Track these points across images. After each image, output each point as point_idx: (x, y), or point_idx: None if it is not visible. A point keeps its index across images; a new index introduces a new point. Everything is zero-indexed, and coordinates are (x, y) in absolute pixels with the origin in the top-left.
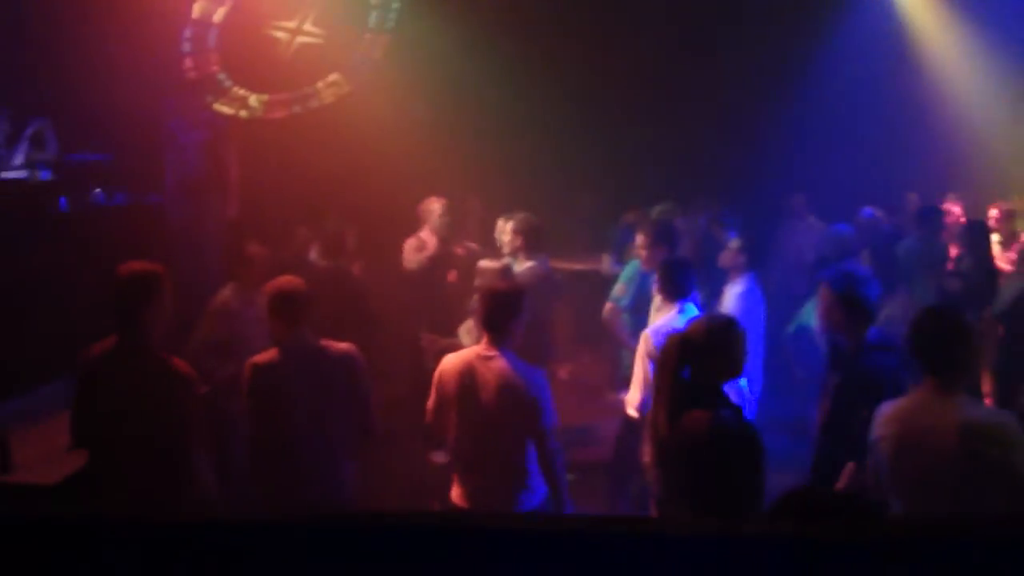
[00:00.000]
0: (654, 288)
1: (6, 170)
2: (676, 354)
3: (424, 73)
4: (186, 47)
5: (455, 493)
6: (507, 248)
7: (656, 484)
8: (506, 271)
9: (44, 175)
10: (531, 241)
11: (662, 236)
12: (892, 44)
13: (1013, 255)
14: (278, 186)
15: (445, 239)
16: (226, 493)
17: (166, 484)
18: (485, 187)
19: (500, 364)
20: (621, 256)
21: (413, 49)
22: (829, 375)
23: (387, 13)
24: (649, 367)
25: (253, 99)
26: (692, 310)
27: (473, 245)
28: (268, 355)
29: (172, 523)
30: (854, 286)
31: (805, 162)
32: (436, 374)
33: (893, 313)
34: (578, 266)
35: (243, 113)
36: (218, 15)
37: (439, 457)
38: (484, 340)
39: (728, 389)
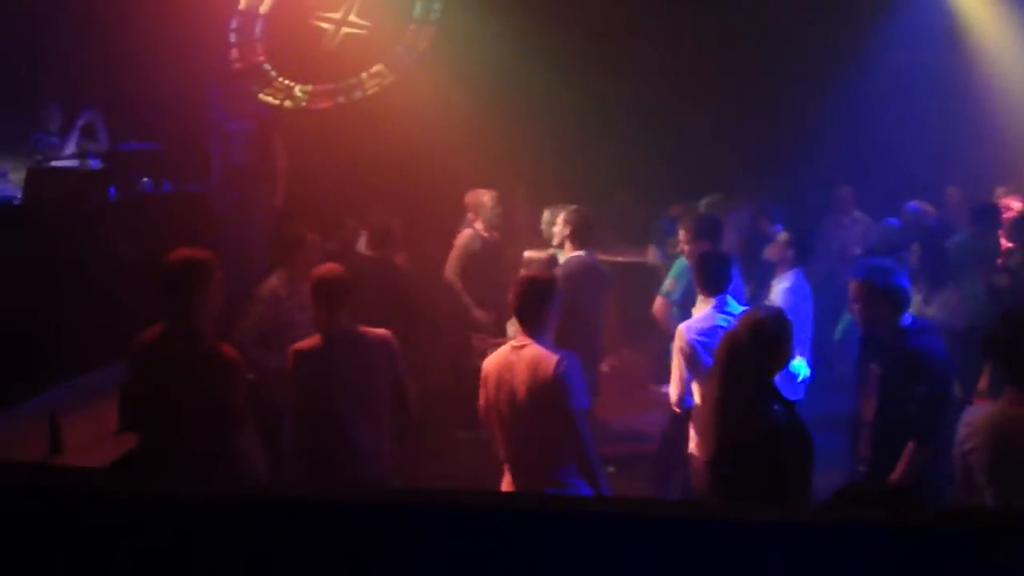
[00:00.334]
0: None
1: (58, 159)
2: (727, 349)
3: (468, 64)
4: (232, 38)
5: (505, 486)
6: (556, 239)
7: (702, 478)
8: (552, 262)
9: (94, 164)
10: (581, 233)
11: (704, 230)
12: (942, 34)
13: None
14: (323, 176)
15: (498, 230)
16: (275, 478)
17: (214, 468)
18: (529, 178)
19: (530, 351)
20: (666, 248)
21: (458, 40)
22: (865, 367)
23: (432, 3)
24: (683, 362)
25: (298, 89)
26: (732, 304)
27: (496, 234)
28: (310, 341)
29: (213, 498)
30: (880, 276)
31: (852, 154)
32: (483, 371)
33: (940, 308)
34: (620, 258)
35: (288, 103)
36: (264, 6)
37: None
38: (519, 332)
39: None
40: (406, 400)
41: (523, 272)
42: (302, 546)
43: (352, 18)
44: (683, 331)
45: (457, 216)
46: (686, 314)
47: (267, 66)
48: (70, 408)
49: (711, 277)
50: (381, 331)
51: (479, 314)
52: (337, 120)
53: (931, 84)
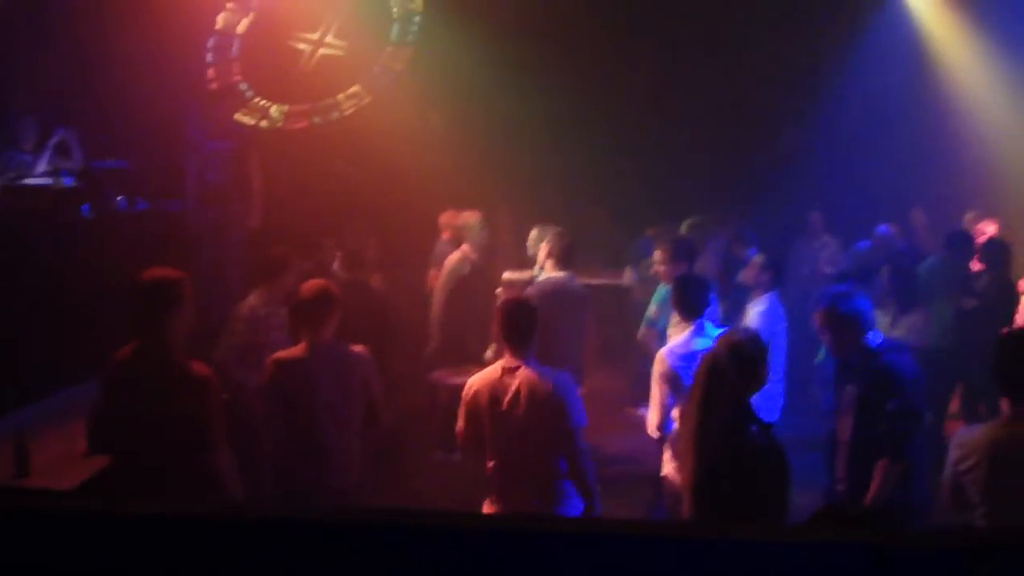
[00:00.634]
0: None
1: (31, 177)
2: (706, 371)
3: (445, 85)
4: (209, 57)
5: (489, 511)
6: (540, 259)
7: (680, 499)
8: (532, 283)
9: (67, 182)
10: (561, 255)
11: (681, 252)
12: (912, 60)
13: None
14: (299, 196)
15: (485, 253)
16: (251, 497)
17: (188, 488)
18: (505, 199)
19: (525, 373)
20: (641, 270)
21: (434, 61)
22: (841, 389)
23: (409, 26)
24: (665, 388)
25: (274, 109)
26: (710, 329)
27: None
28: (291, 351)
29: (187, 517)
30: (841, 303)
31: (822, 179)
32: (465, 397)
33: (908, 330)
34: (596, 280)
35: (264, 123)
36: (241, 26)
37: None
38: (507, 353)
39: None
40: (378, 416)
41: (505, 294)
42: (276, 566)
43: (329, 39)
44: (664, 357)
45: (432, 236)
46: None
47: (244, 86)
48: (39, 429)
49: (690, 302)
50: (359, 348)
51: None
52: (313, 140)
53: (900, 109)
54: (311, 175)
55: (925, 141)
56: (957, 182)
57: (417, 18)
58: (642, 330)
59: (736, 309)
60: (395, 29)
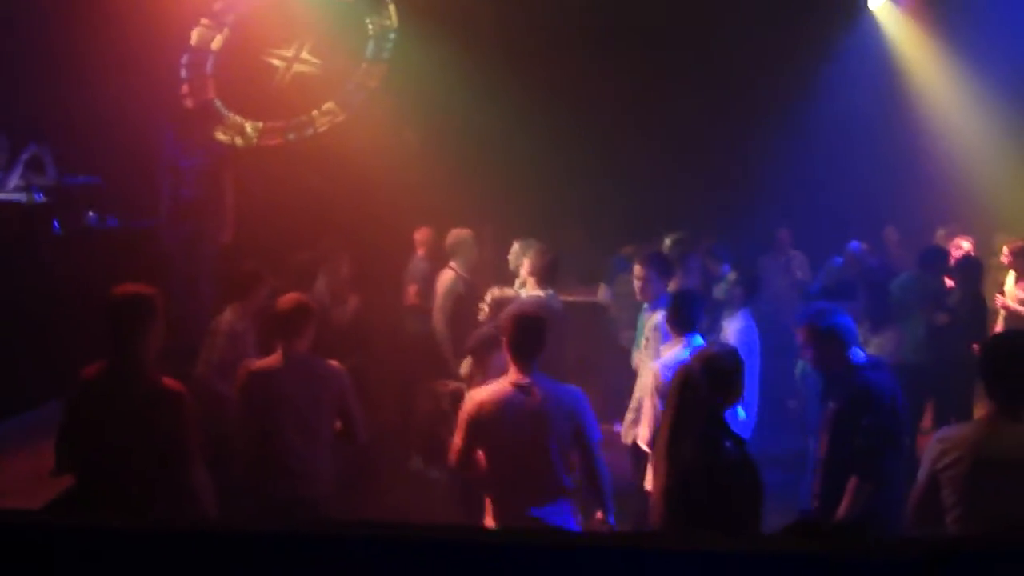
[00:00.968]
0: (646, 316)
1: (2, 192)
2: (679, 384)
3: (419, 102)
4: (183, 74)
5: (491, 523)
6: (522, 275)
7: (657, 513)
8: (536, 299)
9: (38, 197)
10: (544, 274)
11: (660, 271)
12: (882, 78)
13: None
14: (273, 213)
15: (474, 270)
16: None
17: (161, 505)
18: (478, 216)
19: (541, 389)
20: (616, 287)
21: (409, 78)
22: (825, 404)
23: (384, 43)
24: (658, 402)
25: (249, 126)
26: (699, 342)
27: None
28: (265, 361)
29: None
30: (822, 318)
31: (794, 195)
32: (468, 412)
33: (880, 347)
34: (571, 298)
35: (239, 140)
36: (216, 42)
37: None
38: (514, 368)
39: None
40: (354, 430)
41: (487, 308)
42: None
43: (304, 56)
44: (657, 371)
45: (406, 252)
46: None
47: (218, 103)
48: (5, 448)
49: (684, 317)
50: (333, 362)
51: (458, 365)
52: (288, 157)
53: (871, 126)
54: (285, 191)
55: (896, 158)
56: (928, 199)
57: (392, 35)
58: (635, 357)
59: (713, 325)
60: (370, 46)
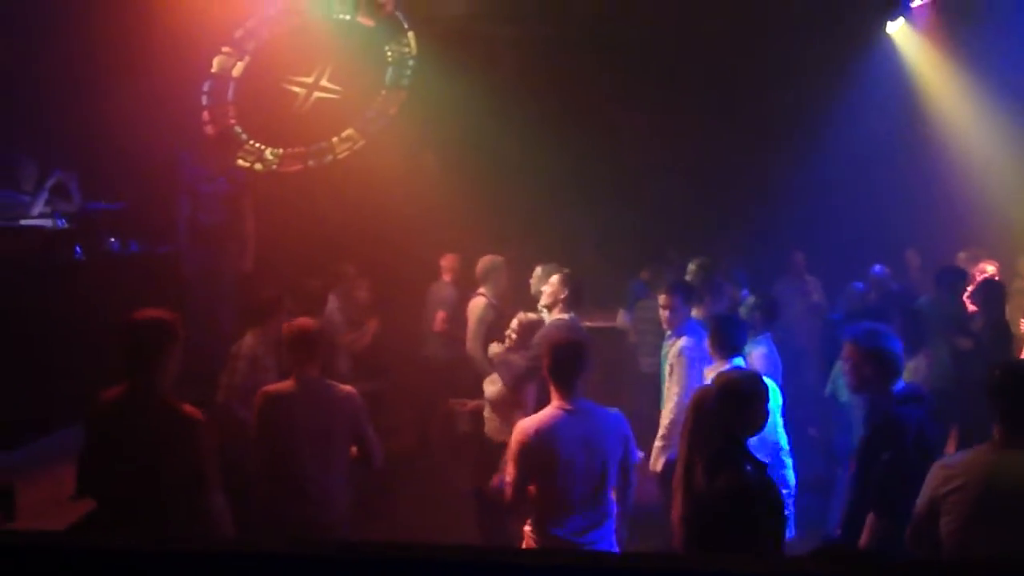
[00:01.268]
0: (669, 343)
1: (27, 218)
2: (694, 407)
3: (439, 129)
4: (204, 100)
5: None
6: (546, 299)
7: (679, 537)
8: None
9: (60, 223)
10: (573, 298)
11: (684, 295)
12: (901, 103)
13: None
14: (293, 239)
15: (504, 296)
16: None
17: (179, 529)
18: (496, 241)
19: (595, 412)
20: (635, 312)
21: (428, 105)
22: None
23: (403, 70)
24: None
25: (269, 152)
26: (740, 364)
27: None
28: (279, 385)
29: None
30: (869, 338)
31: (809, 220)
32: (520, 442)
33: (911, 374)
34: (591, 323)
35: (258, 166)
36: (237, 69)
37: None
38: (557, 395)
39: (763, 448)
40: (370, 455)
41: (515, 332)
42: None
43: (324, 83)
44: None
45: (426, 279)
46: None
47: (238, 129)
48: (27, 473)
49: (727, 340)
50: (347, 387)
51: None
52: (307, 183)
53: (890, 150)
54: (305, 218)
55: (915, 181)
56: (948, 222)
57: (411, 62)
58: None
59: None
60: (389, 73)
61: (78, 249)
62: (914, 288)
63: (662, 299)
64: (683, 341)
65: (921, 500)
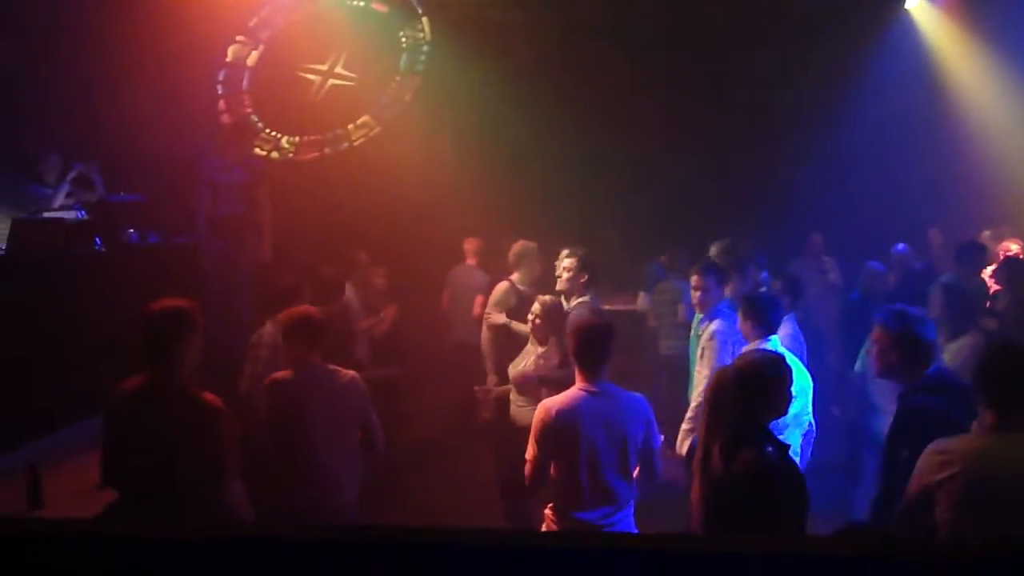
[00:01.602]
0: (701, 326)
1: (49, 210)
2: (712, 387)
3: (454, 114)
4: (220, 90)
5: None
6: (564, 284)
7: (698, 519)
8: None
9: (80, 215)
10: (591, 279)
11: (717, 276)
12: (920, 80)
13: None
14: (309, 227)
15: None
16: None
17: (199, 518)
18: (513, 227)
19: (620, 395)
20: (654, 295)
21: (443, 90)
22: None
23: (417, 55)
24: None
25: (285, 140)
26: (775, 344)
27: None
28: (285, 373)
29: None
30: (898, 322)
31: (828, 200)
32: (543, 420)
33: (959, 354)
34: (610, 307)
35: (275, 154)
36: (251, 58)
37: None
38: (581, 377)
39: (790, 431)
40: (374, 439)
41: (538, 316)
42: None
43: (338, 70)
44: None
45: (443, 265)
46: None
47: (254, 118)
48: (52, 462)
49: (763, 318)
50: (350, 372)
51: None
52: (324, 171)
53: (910, 129)
54: (321, 205)
55: (936, 159)
56: (970, 200)
57: (425, 47)
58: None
59: None
60: (403, 59)
61: (98, 241)
62: (936, 267)
63: (694, 280)
64: (716, 324)
65: (913, 486)
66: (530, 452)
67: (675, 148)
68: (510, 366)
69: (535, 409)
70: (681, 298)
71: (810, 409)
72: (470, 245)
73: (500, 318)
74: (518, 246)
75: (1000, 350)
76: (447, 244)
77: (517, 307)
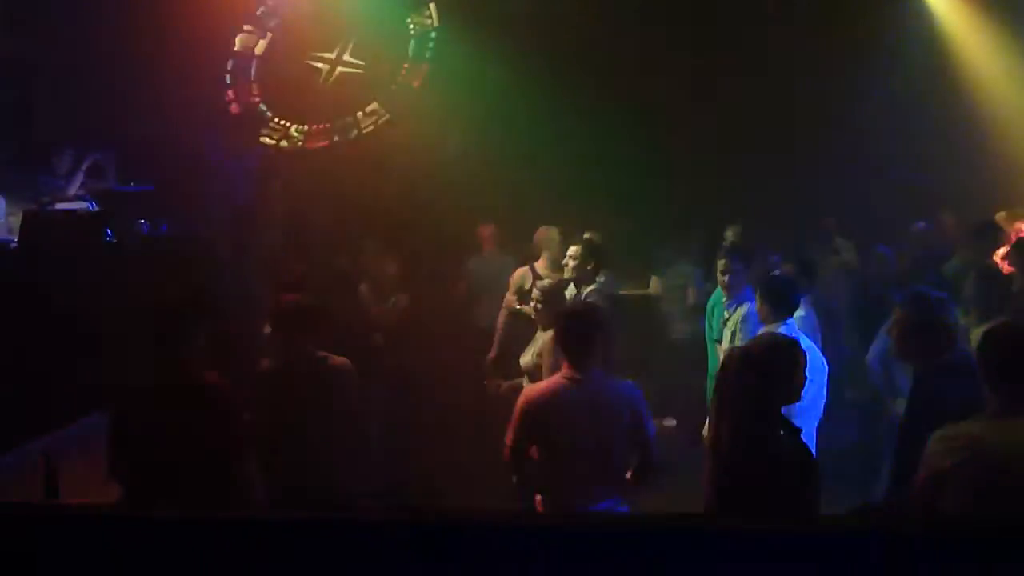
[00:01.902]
0: (729, 310)
1: (62, 201)
2: (736, 371)
3: (463, 100)
4: (228, 79)
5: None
6: (572, 272)
7: (710, 503)
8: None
9: (91, 206)
10: (598, 263)
11: (744, 260)
12: (932, 61)
13: None
14: (319, 214)
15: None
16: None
17: (214, 499)
18: (525, 212)
19: (605, 383)
20: (666, 279)
21: (452, 77)
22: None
23: (426, 42)
24: None
25: (294, 129)
26: (793, 327)
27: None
28: (275, 362)
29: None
30: (931, 309)
31: (840, 183)
32: (522, 406)
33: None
34: (624, 291)
35: (284, 143)
36: (259, 47)
37: None
38: (565, 364)
39: (804, 414)
40: (357, 420)
41: (539, 302)
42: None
43: (346, 57)
44: None
45: (454, 252)
46: None
47: (263, 106)
48: (67, 452)
49: (782, 301)
50: (340, 358)
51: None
52: (333, 159)
53: (923, 111)
54: (332, 193)
55: (948, 141)
56: (982, 182)
57: (433, 34)
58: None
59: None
60: (412, 45)
61: (109, 232)
62: (950, 249)
63: (721, 264)
64: (746, 308)
65: (924, 473)
66: (508, 437)
67: (688, 130)
68: (521, 356)
69: None
70: (691, 282)
71: (824, 392)
72: (486, 231)
73: (512, 300)
74: (540, 232)
75: (1003, 334)
76: (458, 231)
77: (530, 292)
